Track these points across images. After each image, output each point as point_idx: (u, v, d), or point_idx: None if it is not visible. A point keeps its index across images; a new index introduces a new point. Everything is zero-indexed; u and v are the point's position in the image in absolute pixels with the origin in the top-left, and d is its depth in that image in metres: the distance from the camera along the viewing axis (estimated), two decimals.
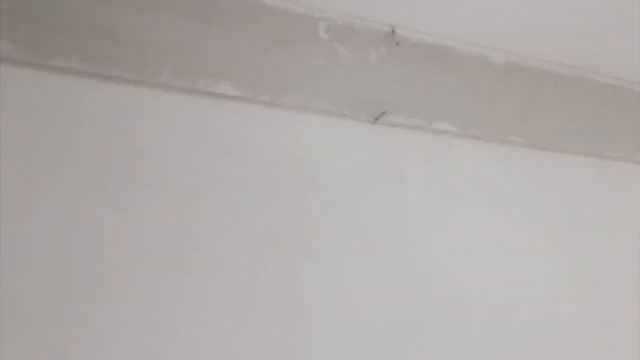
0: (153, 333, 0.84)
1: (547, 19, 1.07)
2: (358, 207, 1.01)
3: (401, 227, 1.02)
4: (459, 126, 1.12)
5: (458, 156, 1.11)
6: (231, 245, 0.92)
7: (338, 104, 1.04)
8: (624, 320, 1.14)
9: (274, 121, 1.00)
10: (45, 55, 0.86)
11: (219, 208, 0.92)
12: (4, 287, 0.78)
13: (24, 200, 0.82)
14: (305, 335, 0.92)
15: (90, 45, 0.88)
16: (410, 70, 1.07)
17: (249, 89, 0.98)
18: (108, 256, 0.85)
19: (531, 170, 1.16)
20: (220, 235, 0.92)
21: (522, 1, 1.03)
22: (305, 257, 0.95)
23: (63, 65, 0.87)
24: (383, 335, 0.96)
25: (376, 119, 1.06)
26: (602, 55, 1.17)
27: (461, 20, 1.06)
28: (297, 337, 0.91)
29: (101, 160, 0.88)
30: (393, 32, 1.04)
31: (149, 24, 0.91)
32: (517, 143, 1.16)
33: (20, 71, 0.86)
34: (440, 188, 1.08)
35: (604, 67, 1.21)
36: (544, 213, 1.14)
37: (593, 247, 1.16)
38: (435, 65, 1.09)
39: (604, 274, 1.15)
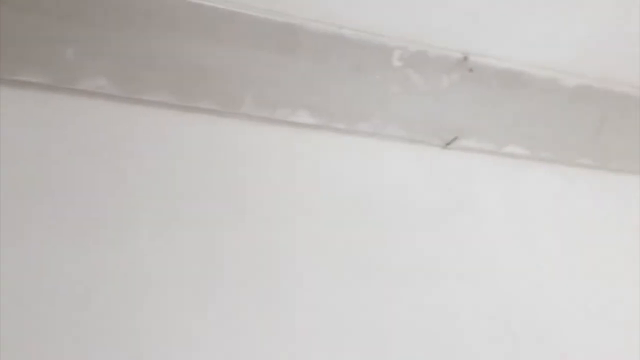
0: None
1: (618, 42, 1.07)
2: (434, 230, 1.03)
3: (477, 252, 1.04)
4: (530, 149, 1.12)
5: (529, 179, 1.12)
6: (303, 272, 0.94)
7: (411, 129, 1.06)
8: None
9: (348, 148, 1.03)
10: (136, 90, 0.91)
11: (296, 234, 0.95)
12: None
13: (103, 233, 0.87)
14: None
15: (177, 80, 0.92)
16: (482, 95, 1.08)
17: (326, 117, 1.01)
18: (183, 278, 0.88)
19: (603, 193, 1.16)
20: (294, 260, 0.95)
21: (593, 25, 1.03)
22: (378, 284, 0.98)
23: (152, 99, 0.91)
24: None
25: (447, 144, 1.08)
26: None
27: (533, 44, 1.06)
28: None
29: (186, 187, 0.92)
30: (465, 58, 1.05)
31: (231, 57, 0.95)
32: (588, 165, 1.16)
33: (113, 105, 0.91)
34: (512, 211, 1.09)
35: None
36: (618, 236, 1.14)
37: None
38: (507, 90, 1.09)
39: None
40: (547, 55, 1.09)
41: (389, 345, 0.95)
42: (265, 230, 0.93)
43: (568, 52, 1.09)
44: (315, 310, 0.92)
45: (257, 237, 0.92)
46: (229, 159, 0.95)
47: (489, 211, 1.08)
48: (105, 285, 0.82)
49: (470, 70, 1.06)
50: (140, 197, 0.87)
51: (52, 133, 0.86)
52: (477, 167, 1.09)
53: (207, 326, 0.86)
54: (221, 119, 0.96)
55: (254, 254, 0.91)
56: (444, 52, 1.05)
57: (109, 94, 0.89)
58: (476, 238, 1.05)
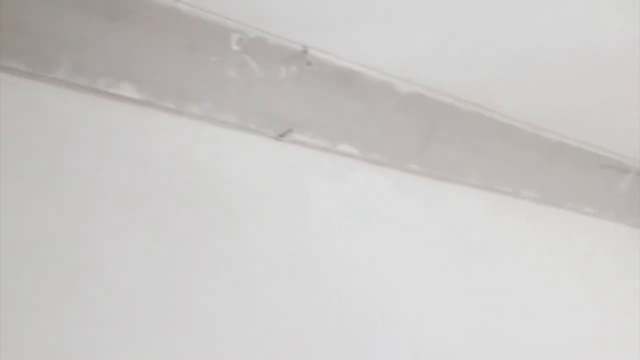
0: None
1: (452, 55, 1.12)
2: (261, 223, 1.00)
3: (303, 248, 1.03)
4: (361, 150, 1.14)
5: (358, 179, 1.13)
6: (125, 256, 0.87)
7: (244, 117, 1.02)
8: (512, 341, 1.21)
9: (177, 129, 0.97)
10: None
11: (115, 213, 0.88)
12: None
13: None
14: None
15: None
16: (318, 90, 1.08)
17: (153, 94, 0.94)
18: None
19: (428, 199, 1.20)
20: (114, 242, 0.87)
21: (430, 37, 1.07)
22: (202, 275, 0.93)
23: None
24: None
25: (281, 136, 1.06)
26: (498, 94, 1.24)
27: (372, 47, 1.08)
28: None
29: None
30: (305, 51, 1.05)
31: (48, 14, 0.86)
32: (415, 171, 1.19)
33: None
34: (341, 209, 1.09)
35: (499, 106, 1.27)
36: (439, 240, 1.18)
37: (484, 274, 1.22)
38: (344, 88, 1.10)
39: (494, 300, 1.22)
40: (384, 59, 1.11)
41: (203, 340, 0.90)
42: (80, 207, 0.85)
43: (404, 58, 1.12)
44: (117, 297, 0.86)
45: (73, 214, 0.84)
46: (36, 126, 0.86)
47: (318, 207, 1.07)
48: None
49: (309, 63, 1.05)
50: None
51: None
52: (310, 163, 1.08)
53: None
54: (31, 81, 0.86)
55: (63, 230, 0.82)
56: (283, 42, 1.03)
57: None
58: (303, 233, 1.04)
